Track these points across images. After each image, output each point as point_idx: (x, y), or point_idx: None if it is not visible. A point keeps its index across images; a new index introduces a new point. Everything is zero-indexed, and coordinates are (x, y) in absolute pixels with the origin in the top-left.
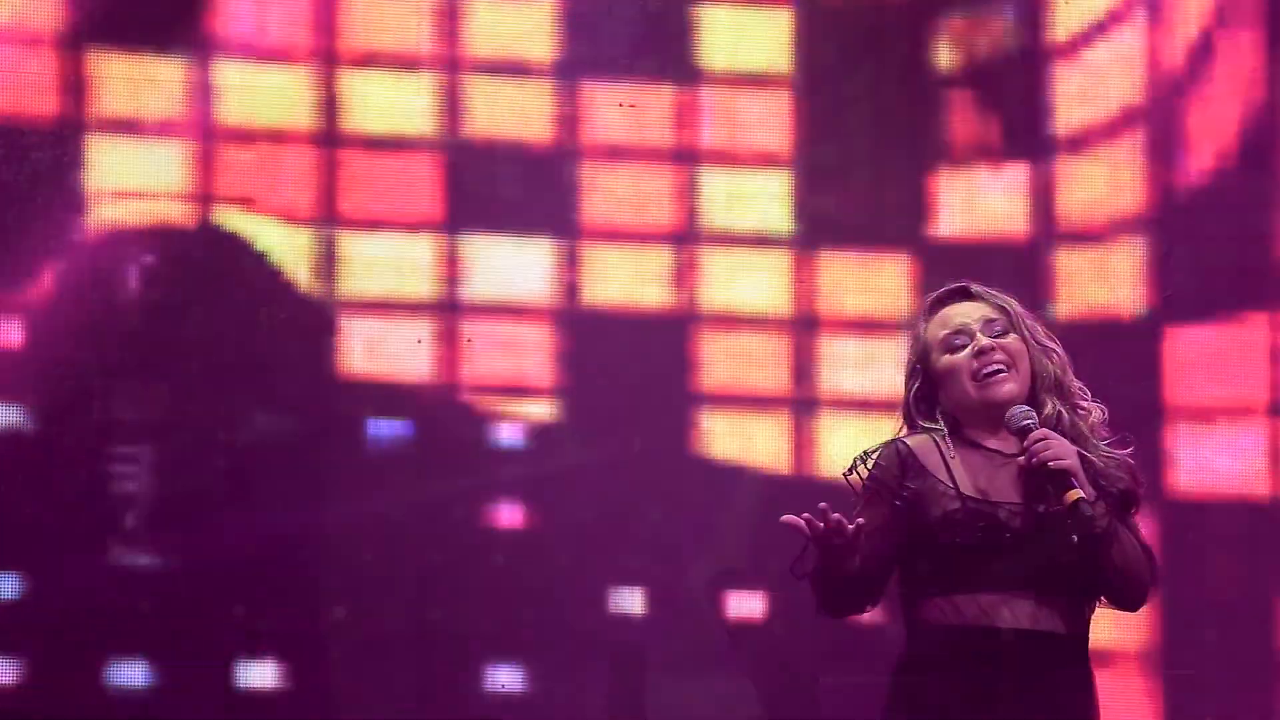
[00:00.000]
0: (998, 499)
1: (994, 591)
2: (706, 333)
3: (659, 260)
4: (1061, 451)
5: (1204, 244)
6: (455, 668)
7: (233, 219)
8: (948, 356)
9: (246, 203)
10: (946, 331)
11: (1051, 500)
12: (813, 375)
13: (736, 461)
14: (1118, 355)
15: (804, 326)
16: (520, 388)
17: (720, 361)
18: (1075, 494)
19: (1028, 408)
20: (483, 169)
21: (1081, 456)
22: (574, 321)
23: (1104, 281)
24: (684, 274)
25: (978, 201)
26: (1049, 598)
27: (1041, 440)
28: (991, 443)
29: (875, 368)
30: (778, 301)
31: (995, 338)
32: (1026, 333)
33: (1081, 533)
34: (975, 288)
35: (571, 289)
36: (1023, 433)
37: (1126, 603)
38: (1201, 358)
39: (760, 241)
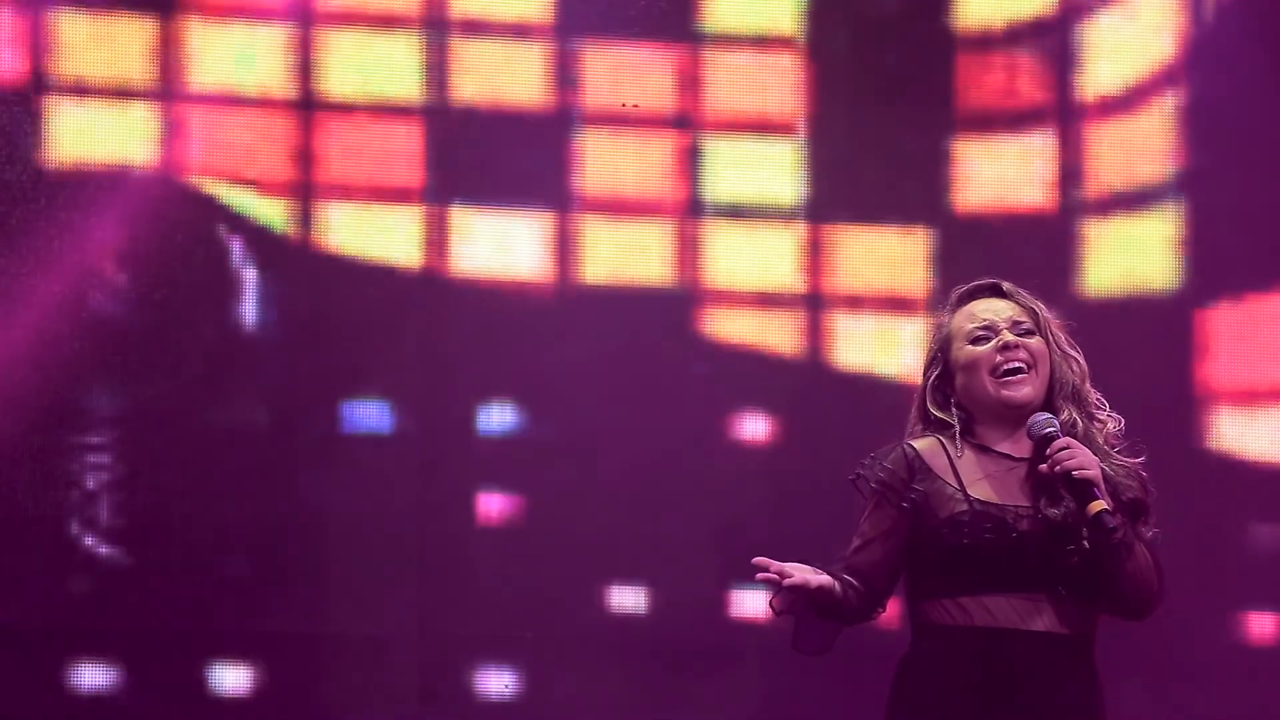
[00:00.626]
0: (1005, 502)
1: (1000, 594)
2: (710, 312)
3: (660, 234)
4: (1086, 461)
5: (1241, 212)
6: (452, 668)
7: (208, 190)
8: (970, 348)
9: (222, 173)
10: (972, 325)
11: (1065, 505)
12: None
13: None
14: (1150, 332)
15: (815, 305)
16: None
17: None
18: (1099, 505)
19: (1049, 415)
20: (472, 137)
21: None
22: (571, 300)
23: (1136, 254)
24: (687, 249)
25: (1001, 170)
26: (1055, 600)
27: (1066, 449)
28: (1001, 445)
29: (890, 348)
30: (787, 278)
31: (1020, 336)
32: (1051, 338)
33: (1101, 543)
34: (1006, 286)
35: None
36: (1045, 441)
37: (1133, 613)
38: (1239, 334)
39: (769, 213)
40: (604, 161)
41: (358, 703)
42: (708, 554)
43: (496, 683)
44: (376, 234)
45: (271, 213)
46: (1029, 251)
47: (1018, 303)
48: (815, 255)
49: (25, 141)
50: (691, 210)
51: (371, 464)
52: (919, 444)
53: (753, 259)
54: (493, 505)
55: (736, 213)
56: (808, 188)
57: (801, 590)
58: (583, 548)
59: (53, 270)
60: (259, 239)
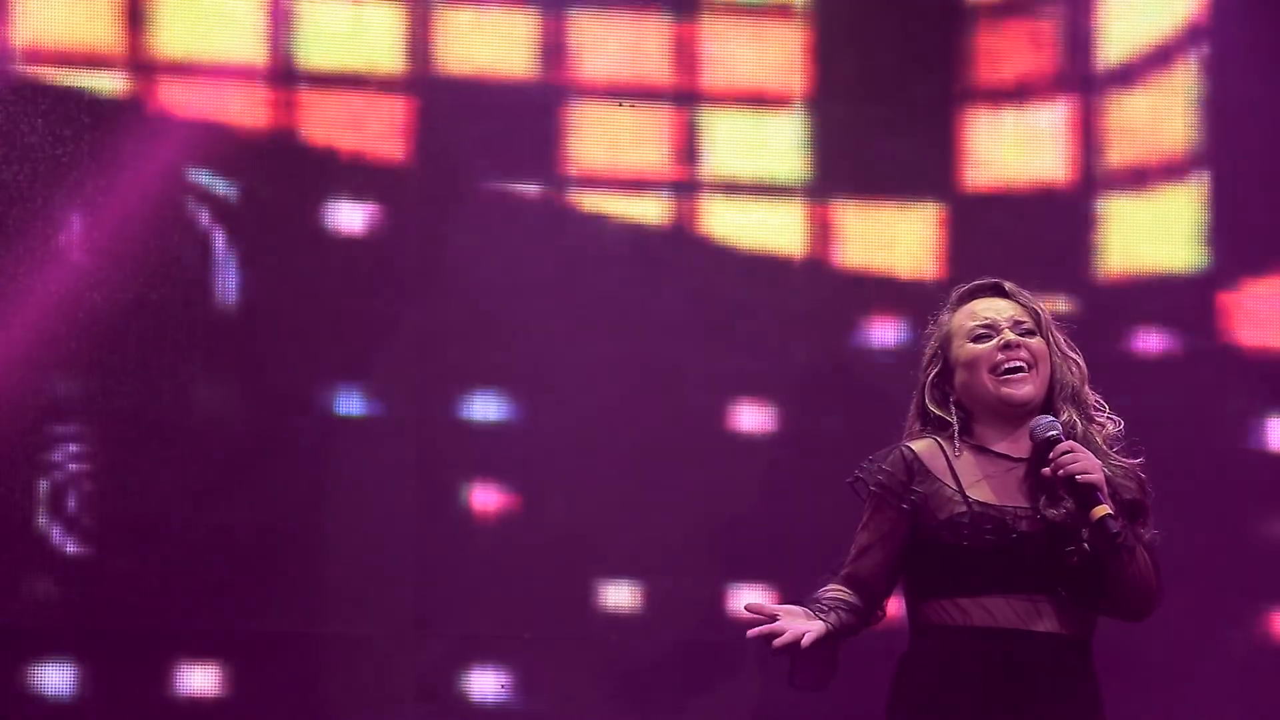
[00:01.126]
0: (1004, 503)
1: (999, 594)
2: (711, 291)
3: (657, 212)
4: (1089, 465)
5: (1268, 186)
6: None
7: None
8: (971, 345)
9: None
10: (974, 323)
11: (1065, 506)
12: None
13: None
14: (1172, 312)
15: (819, 281)
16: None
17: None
18: (1102, 510)
19: (1052, 418)
20: (457, 109)
21: None
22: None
23: (1158, 230)
24: (685, 225)
25: (1014, 144)
26: (1054, 600)
27: (1069, 453)
28: (999, 445)
29: (897, 330)
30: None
31: (1021, 336)
32: (1051, 339)
33: (1104, 547)
34: (1008, 286)
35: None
36: (1048, 443)
37: (1132, 614)
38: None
39: (770, 190)
40: (598, 135)
41: (355, 703)
42: (707, 550)
43: (493, 683)
44: (364, 216)
45: (260, 195)
46: (1045, 228)
47: (1019, 303)
48: (819, 233)
49: (22, 140)
50: (690, 186)
51: (367, 458)
52: (916, 445)
53: (754, 235)
54: (489, 501)
55: (735, 189)
56: (810, 162)
57: (794, 647)
58: (580, 544)
59: (49, 269)
60: (246, 225)
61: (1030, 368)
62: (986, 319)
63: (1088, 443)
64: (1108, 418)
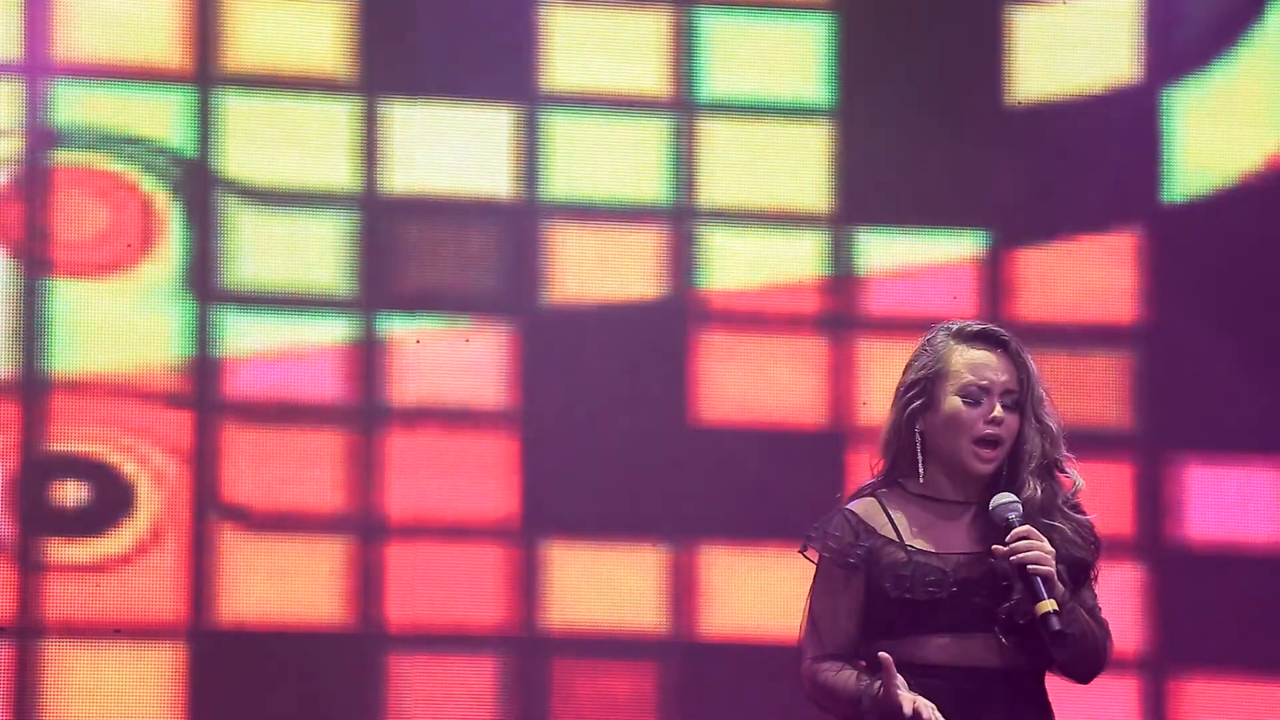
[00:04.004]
0: (946, 551)
1: (945, 634)
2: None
3: (652, 140)
4: (1041, 555)
5: None
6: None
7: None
8: (958, 401)
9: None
10: (970, 377)
11: (1016, 594)
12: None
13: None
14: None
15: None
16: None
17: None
18: (1047, 605)
19: (1013, 497)
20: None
21: (1046, 526)
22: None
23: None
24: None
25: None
26: (998, 639)
27: (1025, 539)
28: (947, 493)
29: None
30: (817, 193)
31: (1005, 409)
32: (1029, 410)
33: (1048, 640)
34: (1012, 344)
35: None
36: (1007, 526)
37: (1078, 680)
38: None
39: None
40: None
41: (356, 703)
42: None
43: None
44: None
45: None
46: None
47: (1016, 366)
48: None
49: None
50: (690, 106)
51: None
52: (856, 506)
53: (768, 171)
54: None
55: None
56: (837, 87)
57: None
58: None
59: None
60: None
61: (1000, 445)
62: (984, 381)
63: (1048, 502)
64: (1074, 476)
